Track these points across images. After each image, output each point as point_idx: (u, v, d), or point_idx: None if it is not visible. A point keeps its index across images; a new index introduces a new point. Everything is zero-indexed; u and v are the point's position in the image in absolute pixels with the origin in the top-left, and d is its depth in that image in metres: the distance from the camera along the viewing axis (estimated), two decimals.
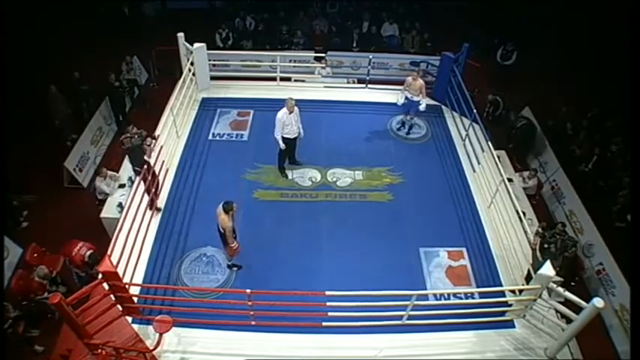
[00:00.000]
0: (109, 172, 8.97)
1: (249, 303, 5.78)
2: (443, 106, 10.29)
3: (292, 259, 7.15)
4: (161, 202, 7.91)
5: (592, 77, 11.37)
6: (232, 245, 6.71)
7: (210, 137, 9.31)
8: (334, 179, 8.49)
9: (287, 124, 7.96)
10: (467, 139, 9.12)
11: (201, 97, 10.17)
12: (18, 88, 10.07)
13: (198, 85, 10.11)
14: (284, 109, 7.91)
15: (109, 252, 6.15)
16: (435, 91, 10.32)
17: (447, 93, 9.94)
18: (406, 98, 9.04)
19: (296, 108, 7.98)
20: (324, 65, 10.81)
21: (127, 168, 9.16)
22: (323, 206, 8.03)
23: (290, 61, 11.88)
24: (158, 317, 5.89)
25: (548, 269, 5.77)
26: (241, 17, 13.14)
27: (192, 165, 8.67)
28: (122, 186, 8.86)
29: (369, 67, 10.41)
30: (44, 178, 10.08)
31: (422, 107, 8.89)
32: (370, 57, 10.25)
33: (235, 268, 7.08)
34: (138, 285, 6.33)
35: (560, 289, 5.84)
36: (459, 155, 9.07)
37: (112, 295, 6.04)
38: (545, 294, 6.08)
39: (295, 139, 8.24)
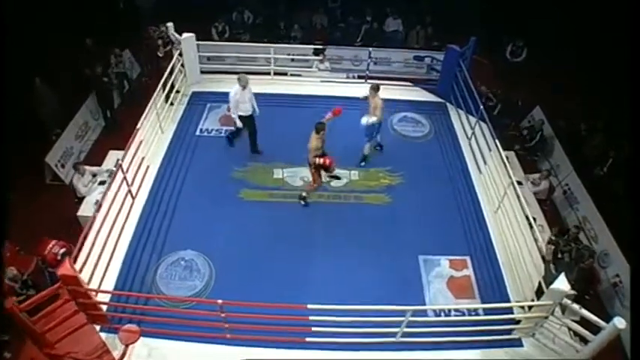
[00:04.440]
0: (90, 168, 8.34)
1: (222, 315, 5.09)
2: (447, 104, 9.54)
3: (279, 265, 6.49)
4: (140, 201, 7.27)
5: (606, 76, 10.59)
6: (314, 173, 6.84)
7: (197, 133, 8.67)
8: (328, 179, 7.79)
9: (241, 102, 7.66)
10: (473, 138, 8.37)
11: (191, 91, 9.55)
12: None
13: (187, 78, 9.48)
14: (237, 87, 7.59)
15: (74, 253, 5.60)
16: (439, 86, 9.61)
17: (451, 89, 9.19)
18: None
19: (249, 85, 7.71)
20: (321, 58, 10.14)
21: (109, 163, 8.56)
22: (315, 208, 7.36)
23: (288, 55, 11.21)
24: (125, 327, 5.34)
25: (562, 283, 5.04)
26: (239, 11, 12.52)
27: (176, 162, 8.04)
28: (103, 183, 8.22)
29: (369, 61, 9.71)
30: (26, 174, 9.47)
31: (363, 121, 7.58)
32: (370, 50, 9.54)
33: (303, 202, 7.24)
34: (99, 291, 5.65)
35: (576, 307, 5.10)
36: (464, 155, 8.35)
37: (74, 302, 5.42)
38: (557, 310, 5.34)
39: (252, 117, 7.92)
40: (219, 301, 4.96)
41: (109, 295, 5.92)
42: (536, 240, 6.45)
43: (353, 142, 7.97)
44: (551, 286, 5.04)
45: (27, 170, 9.41)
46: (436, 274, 6.48)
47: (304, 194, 7.25)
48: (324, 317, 5.11)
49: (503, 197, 6.97)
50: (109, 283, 6.17)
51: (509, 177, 6.87)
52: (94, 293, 5.53)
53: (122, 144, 7.35)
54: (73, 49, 10.34)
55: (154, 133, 8.20)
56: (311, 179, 7.17)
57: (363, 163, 8.00)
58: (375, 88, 7.52)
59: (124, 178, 6.91)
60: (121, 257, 6.52)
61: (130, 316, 5.67)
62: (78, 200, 8.38)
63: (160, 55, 8.52)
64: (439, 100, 9.64)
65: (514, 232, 6.64)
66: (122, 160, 6.81)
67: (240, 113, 7.78)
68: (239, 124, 7.84)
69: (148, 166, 7.70)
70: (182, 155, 8.17)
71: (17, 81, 9.03)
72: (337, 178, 7.78)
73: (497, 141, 7.36)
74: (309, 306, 4.96)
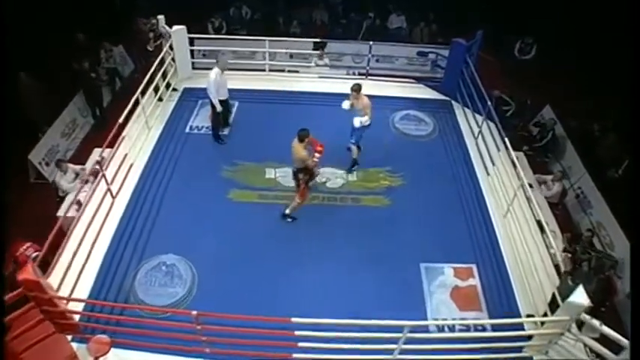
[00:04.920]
0: (72, 166, 7.85)
1: (198, 327, 4.56)
2: (453, 101, 9.00)
3: (268, 273, 5.97)
4: (121, 201, 6.77)
5: (619, 74, 9.99)
6: (302, 186, 6.23)
7: (187, 130, 8.19)
8: (323, 180, 7.28)
9: (222, 86, 7.44)
10: (480, 137, 7.82)
11: (182, 87, 9.08)
12: None
13: (178, 73, 9.00)
14: (216, 69, 7.32)
15: (40, 256, 5.20)
16: (444, 83, 9.09)
17: (457, 86, 8.66)
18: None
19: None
20: (320, 53, 9.66)
21: (93, 161, 8.07)
22: (308, 210, 6.81)
23: (286, 50, 10.72)
24: (95, 338, 4.92)
25: (580, 296, 4.47)
26: (237, 6, 12.06)
27: (162, 160, 7.56)
28: (87, 182, 7.72)
29: (369, 56, 9.20)
30: (10, 172, 9.01)
31: (356, 123, 6.97)
32: (370, 44, 9.03)
33: (290, 220, 6.56)
34: (64, 298, 5.14)
35: (596, 323, 4.52)
36: (470, 155, 7.80)
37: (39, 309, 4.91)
38: (573, 326, 4.77)
39: (227, 101, 7.78)
40: (194, 312, 4.43)
41: (81, 303, 5.42)
42: (548, 247, 5.92)
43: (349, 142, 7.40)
44: (568, 300, 4.47)
45: (10, 169, 8.97)
46: (439, 284, 5.93)
47: (288, 211, 6.60)
48: (311, 332, 4.55)
49: (513, 200, 6.41)
50: (84, 289, 5.68)
51: (519, 179, 6.33)
52: (62, 301, 5.01)
53: (111, 143, 6.84)
54: (63, 43, 9.89)
55: (140, 129, 7.72)
56: (298, 194, 6.50)
57: (355, 168, 7.40)
58: (357, 89, 6.81)
59: (103, 175, 6.43)
60: (99, 261, 6.03)
61: (100, 326, 5.17)
62: (60, 199, 7.89)
63: (150, 49, 8.05)
64: (444, 97, 9.11)
65: (524, 239, 6.08)
66: (101, 157, 6.30)
67: (220, 98, 7.46)
68: (219, 108, 7.51)
69: (131, 164, 7.22)
70: (169, 153, 7.69)
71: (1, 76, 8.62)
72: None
73: (506, 140, 6.79)
74: (293, 319, 4.41)
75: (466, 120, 8.45)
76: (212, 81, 7.29)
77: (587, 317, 4.54)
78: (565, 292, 4.75)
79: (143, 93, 7.55)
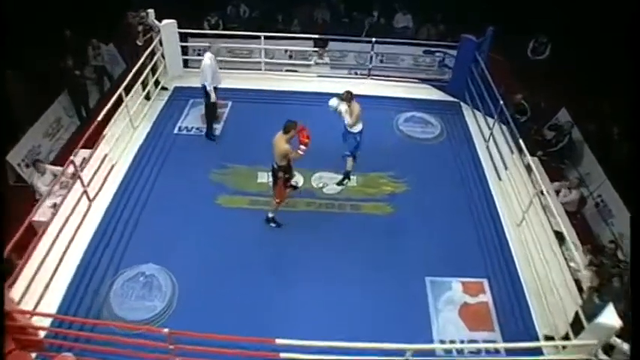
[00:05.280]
0: (51, 167, 7.43)
1: (171, 347, 4.06)
2: (462, 103, 8.52)
3: (256, 287, 5.48)
4: (99, 205, 6.31)
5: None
6: (279, 185, 5.79)
7: (176, 131, 7.76)
8: (320, 185, 6.80)
9: (215, 72, 7.11)
10: (491, 140, 7.32)
11: (173, 86, 8.66)
12: None
13: (168, 71, 8.59)
14: (210, 54, 7.03)
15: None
16: (452, 84, 8.62)
17: (466, 86, 8.18)
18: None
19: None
20: (320, 52, 9.27)
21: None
22: (302, 218, 6.36)
23: (285, 51, 10.36)
24: (59, 357, 4.55)
25: (610, 316, 3.93)
26: (234, 4, 11.69)
27: (148, 162, 7.12)
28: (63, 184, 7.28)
29: (372, 53, 8.76)
30: None
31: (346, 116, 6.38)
32: (373, 40, 8.59)
33: (274, 225, 6.10)
34: (26, 312, 4.66)
35: (626, 347, 3.98)
36: (480, 160, 7.30)
37: None
38: (600, 351, 4.23)
39: (216, 89, 7.40)
40: (166, 330, 3.93)
41: (46, 317, 4.94)
42: (567, 259, 5.40)
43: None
44: (597, 320, 3.94)
45: None
46: (446, 300, 5.40)
47: (270, 215, 6.15)
48: (298, 356, 4.04)
49: (529, 208, 5.89)
50: (53, 301, 5.19)
51: (534, 185, 5.83)
52: (20, 315, 4.54)
53: (93, 142, 6.49)
54: (50, 39, 9.52)
55: (124, 128, 7.29)
56: (275, 194, 6.03)
57: (346, 182, 6.82)
58: (348, 99, 6.27)
59: (78, 177, 5.98)
60: (71, 270, 5.55)
61: (67, 344, 4.71)
62: (37, 202, 7.44)
63: (140, 43, 7.64)
64: (452, 99, 8.63)
65: (542, 250, 5.56)
66: (74, 155, 5.85)
67: (214, 85, 7.17)
68: (214, 97, 7.20)
69: (112, 165, 6.77)
70: (155, 155, 7.26)
71: None
72: (295, 187, 6.58)
73: (521, 141, 6.29)
74: (278, 341, 3.90)
75: (476, 122, 7.96)
76: (207, 66, 6.95)
77: (618, 341, 4.01)
78: (591, 311, 4.23)
79: (128, 90, 7.13)
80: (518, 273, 5.68)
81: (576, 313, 4.63)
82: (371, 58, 8.82)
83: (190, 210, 6.36)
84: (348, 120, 6.32)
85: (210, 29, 11.34)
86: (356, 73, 9.75)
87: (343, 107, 6.26)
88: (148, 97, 8.04)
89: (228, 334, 4.29)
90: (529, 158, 6.06)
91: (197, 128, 7.81)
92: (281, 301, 5.32)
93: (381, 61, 10.53)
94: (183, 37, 8.94)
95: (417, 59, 10.67)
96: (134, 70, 7.29)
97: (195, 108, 8.20)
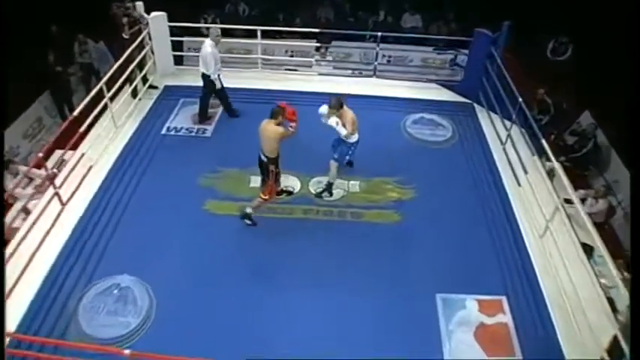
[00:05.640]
0: (24, 169, 7.03)
1: None
2: (475, 104, 8.09)
3: (245, 302, 5.00)
4: (74, 209, 5.90)
5: None
6: (271, 180, 5.50)
7: (164, 131, 7.38)
8: (319, 190, 6.34)
9: (217, 60, 7.11)
10: (509, 142, 6.86)
11: (163, 85, 8.32)
12: None
13: (157, 68, 8.24)
14: (209, 42, 7.02)
15: None
16: (464, 83, 8.21)
17: (480, 85, 7.75)
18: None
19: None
20: (322, 50, 8.93)
21: (51, 164, 7.28)
22: (299, 226, 5.91)
23: (286, 51, 10.04)
24: None
25: None
26: (233, 2, 11.42)
27: (131, 164, 6.73)
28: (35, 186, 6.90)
29: (377, 49, 8.37)
30: None
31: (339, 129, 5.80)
32: (379, 34, 8.20)
33: (249, 222, 5.73)
34: None
35: None
36: (496, 164, 6.83)
37: None
38: None
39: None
40: (127, 352, 3.47)
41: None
42: (597, 275, 4.90)
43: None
44: None
45: None
46: (460, 320, 4.89)
47: (249, 210, 5.74)
48: None
49: (553, 217, 5.39)
50: (13, 317, 4.72)
51: (556, 193, 5.34)
52: None
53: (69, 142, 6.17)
54: (35, 35, 9.24)
55: (106, 128, 6.94)
56: (265, 190, 5.66)
57: (325, 195, 6.26)
58: (337, 107, 5.74)
59: (50, 177, 5.59)
60: (37, 281, 5.10)
61: None
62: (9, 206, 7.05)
63: (126, 36, 7.30)
64: (464, 100, 8.21)
65: (568, 264, 5.05)
66: (42, 154, 5.46)
67: (218, 73, 7.17)
68: (219, 84, 7.22)
69: (90, 167, 6.37)
70: (140, 156, 6.87)
71: None
72: (289, 193, 6.28)
73: (544, 141, 5.81)
74: None
75: (491, 124, 7.52)
76: (209, 54, 6.88)
77: None
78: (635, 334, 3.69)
79: (110, 85, 6.78)
80: (542, 290, 5.16)
81: (614, 338, 4.10)
82: (376, 54, 8.42)
83: (175, 216, 5.94)
84: (343, 132, 5.76)
85: (207, 28, 11.02)
86: (360, 73, 9.34)
87: (333, 120, 5.72)
88: (135, 95, 7.71)
89: (208, 358, 3.81)
90: (554, 161, 5.57)
91: (187, 129, 7.44)
92: (273, 319, 4.85)
93: (388, 61, 10.17)
94: (178, 33, 8.67)
95: (427, 60, 10.25)
96: (116, 65, 6.94)
97: (185, 108, 7.85)
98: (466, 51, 8.32)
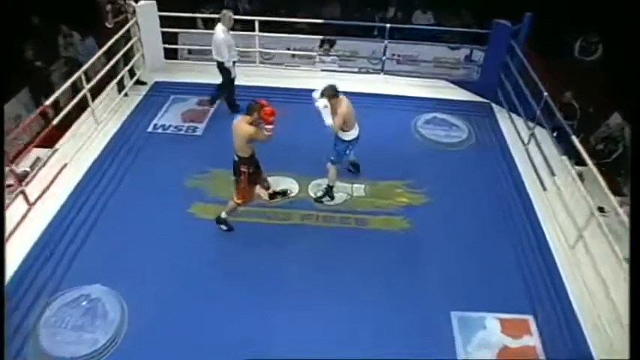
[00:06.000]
0: None
1: None
2: (492, 104, 7.63)
3: (229, 317, 4.53)
4: (44, 210, 5.46)
5: None
6: (243, 182, 5.03)
7: (150, 129, 6.97)
8: (319, 194, 5.86)
9: (231, 45, 6.79)
10: (532, 142, 6.36)
11: (153, 80, 7.95)
12: None
13: (145, 62, 7.87)
14: (221, 26, 6.70)
15: None
16: (481, 81, 7.78)
17: (499, 83, 7.29)
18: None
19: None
20: (326, 46, 8.56)
21: (27, 163, 6.87)
22: (296, 233, 5.43)
23: (288, 49, 9.67)
24: None
25: None
26: None
27: (112, 163, 6.31)
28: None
29: (386, 42, 7.97)
30: None
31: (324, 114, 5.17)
32: (387, 26, 7.80)
33: (225, 228, 5.33)
34: None
35: None
36: (517, 167, 6.34)
37: None
38: None
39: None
40: None
41: None
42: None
43: (358, 149, 5.87)
44: None
45: None
46: (480, 342, 4.35)
47: (223, 215, 5.29)
48: None
49: (587, 226, 4.86)
50: None
51: (591, 198, 4.83)
52: None
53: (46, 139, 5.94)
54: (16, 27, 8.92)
55: (87, 125, 6.57)
56: (236, 193, 5.17)
57: (325, 199, 5.78)
58: (330, 95, 5.15)
59: (17, 176, 5.16)
60: None
61: None
62: None
63: (109, 25, 6.93)
64: (481, 99, 7.75)
65: (606, 279, 4.50)
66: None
67: (233, 59, 6.87)
68: (234, 73, 6.94)
69: (65, 164, 5.94)
70: (122, 155, 6.45)
71: None
72: (283, 194, 5.83)
73: (575, 139, 5.31)
74: None
75: (512, 124, 7.04)
76: (221, 39, 6.62)
77: None
78: None
79: (92, 79, 6.41)
80: (574, 308, 4.62)
81: None
82: (384, 49, 7.98)
83: (156, 220, 5.48)
84: (327, 121, 5.13)
85: (204, 25, 10.72)
86: (367, 71, 8.93)
87: (322, 102, 5.11)
88: (120, 91, 7.34)
89: None
90: (589, 162, 5.05)
91: (175, 126, 7.03)
92: (264, 337, 4.35)
93: (398, 61, 9.74)
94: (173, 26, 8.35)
95: (439, 59, 9.81)
96: (96, 56, 6.55)
97: (176, 105, 7.47)
98: (483, 47, 7.88)
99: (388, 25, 7.88)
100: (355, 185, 6.03)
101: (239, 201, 5.16)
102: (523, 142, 6.57)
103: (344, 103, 5.26)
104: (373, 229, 5.51)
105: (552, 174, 5.73)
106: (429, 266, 5.07)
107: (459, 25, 10.58)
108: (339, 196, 5.86)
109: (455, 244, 5.32)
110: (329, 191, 5.78)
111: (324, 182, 5.87)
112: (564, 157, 5.68)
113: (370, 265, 5.05)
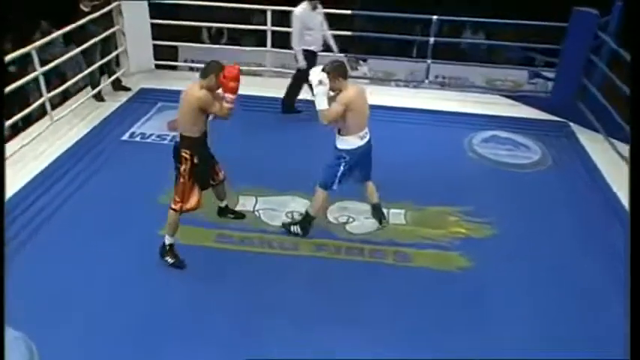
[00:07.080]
0: None
1: None
2: (572, 123, 6.60)
3: None
4: None
5: None
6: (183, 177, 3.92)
7: (125, 137, 6.07)
8: (343, 219, 4.71)
9: (309, 28, 6.06)
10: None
11: (139, 87, 7.25)
12: None
13: (129, 65, 7.17)
14: (304, 4, 6.03)
15: None
16: (555, 96, 6.76)
17: (581, 91, 6.24)
18: None
19: (320, 6, 6.11)
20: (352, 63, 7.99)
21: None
22: (307, 269, 4.26)
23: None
24: None
25: None
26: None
27: (66, 173, 5.37)
28: None
29: (429, 62, 7.23)
30: None
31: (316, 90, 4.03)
32: (434, 18, 6.94)
33: (171, 260, 4.12)
34: None
35: None
36: (614, 193, 5.19)
37: None
38: None
39: (316, 55, 6.25)
40: None
41: None
42: None
43: (398, 169, 5.11)
44: None
45: None
46: None
47: (167, 241, 4.13)
48: None
49: None
50: None
51: None
52: None
53: None
54: None
55: (44, 127, 5.81)
56: (176, 192, 4.02)
57: (295, 229, 4.49)
58: (335, 75, 3.98)
59: None
60: None
61: None
62: None
63: (86, 9, 6.18)
64: (554, 117, 6.73)
65: None
66: None
67: (306, 47, 6.12)
68: (302, 63, 6.09)
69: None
70: (83, 165, 5.51)
71: None
72: (237, 216, 4.73)
73: None
74: None
75: (600, 147, 5.94)
76: (295, 17, 6.01)
77: None
78: None
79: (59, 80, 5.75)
80: None
81: None
82: (427, 69, 7.25)
83: (116, 244, 4.37)
84: (321, 104, 3.95)
85: (210, 39, 10.13)
86: (406, 86, 8.09)
87: (317, 76, 3.94)
88: (98, 97, 6.69)
89: None
90: None
91: (158, 135, 6.13)
92: None
93: (442, 84, 8.82)
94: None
95: (494, 82, 8.85)
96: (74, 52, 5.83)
97: (162, 113, 6.64)
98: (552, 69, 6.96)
99: (432, 39, 7.06)
100: (393, 210, 4.87)
101: (176, 206, 3.97)
102: (622, 157, 5.43)
103: (353, 90, 4.09)
104: (418, 266, 4.29)
105: None
106: (495, 316, 3.84)
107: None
108: (368, 223, 4.68)
109: (530, 288, 4.12)
110: (304, 222, 4.47)
111: (351, 205, 4.76)
112: None
113: (413, 316, 3.82)
